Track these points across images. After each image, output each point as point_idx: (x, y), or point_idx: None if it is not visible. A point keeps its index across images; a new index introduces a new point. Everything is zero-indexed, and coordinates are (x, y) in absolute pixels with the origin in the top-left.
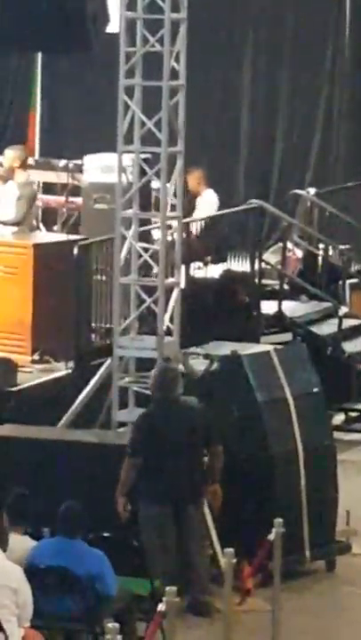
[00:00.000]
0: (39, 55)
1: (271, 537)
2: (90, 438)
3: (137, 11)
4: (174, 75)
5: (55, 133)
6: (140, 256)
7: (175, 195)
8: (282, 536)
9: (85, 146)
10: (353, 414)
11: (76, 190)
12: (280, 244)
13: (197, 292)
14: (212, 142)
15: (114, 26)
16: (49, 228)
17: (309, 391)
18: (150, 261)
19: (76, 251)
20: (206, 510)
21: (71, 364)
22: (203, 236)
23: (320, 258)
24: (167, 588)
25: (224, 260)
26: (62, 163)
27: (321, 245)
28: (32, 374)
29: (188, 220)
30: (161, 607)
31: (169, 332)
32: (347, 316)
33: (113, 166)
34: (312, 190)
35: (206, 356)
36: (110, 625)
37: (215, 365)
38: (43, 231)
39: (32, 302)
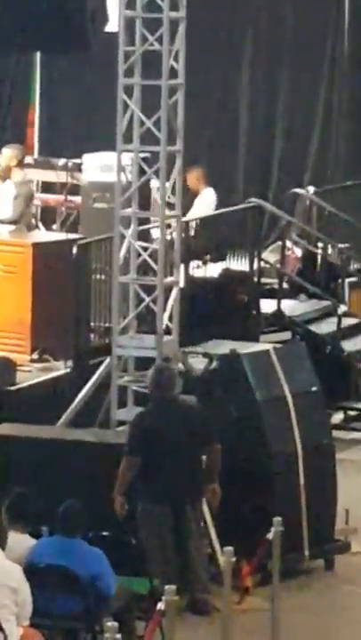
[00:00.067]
0: (38, 54)
1: (270, 536)
2: (89, 437)
3: (136, 9)
4: (173, 74)
5: (54, 132)
6: (139, 255)
7: (174, 193)
8: (281, 535)
9: (84, 145)
10: (352, 413)
11: (75, 189)
12: (279, 243)
13: (196, 291)
14: (211, 141)
15: (113, 25)
16: (48, 227)
17: (308, 390)
18: (149, 260)
19: (75, 250)
20: (205, 509)
21: (70, 363)
22: (202, 235)
23: (319, 257)
24: (166, 587)
25: (223, 259)
26: (61, 162)
27: (320, 244)
28: (31, 373)
29: (187, 219)
30: (160, 606)
31: (168, 331)
32: (346, 314)
33: (112, 165)
34: (311, 189)
35: (205, 355)
36: (109, 624)
37: (214, 364)
38: (42, 230)
39: (31, 301)
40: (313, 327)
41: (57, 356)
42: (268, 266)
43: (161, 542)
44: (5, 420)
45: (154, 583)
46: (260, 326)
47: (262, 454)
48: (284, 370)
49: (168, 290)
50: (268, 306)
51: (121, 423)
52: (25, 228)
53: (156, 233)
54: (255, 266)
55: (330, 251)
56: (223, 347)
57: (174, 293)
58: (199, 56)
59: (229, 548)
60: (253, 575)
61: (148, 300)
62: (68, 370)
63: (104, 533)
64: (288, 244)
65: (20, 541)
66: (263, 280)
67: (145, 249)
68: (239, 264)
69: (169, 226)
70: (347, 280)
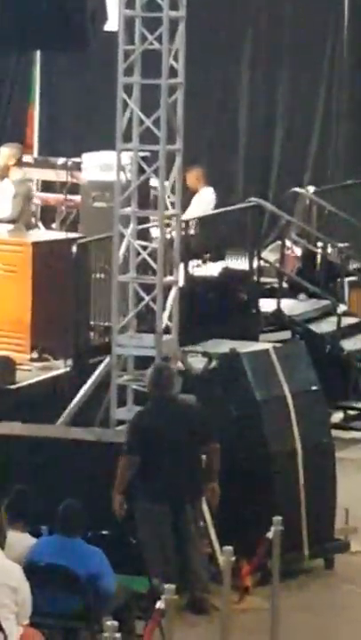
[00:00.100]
0: (38, 53)
1: (270, 535)
2: (88, 436)
3: (135, 9)
4: (173, 73)
5: (54, 131)
6: (139, 254)
7: (174, 192)
8: (280, 534)
9: (84, 144)
10: (352, 412)
11: (74, 188)
12: (279, 242)
13: (196, 291)
14: (210, 140)
15: (112, 24)
16: (48, 226)
17: (308, 389)
18: (149, 259)
19: (74, 249)
20: (205, 508)
21: (70, 361)
22: (201, 234)
23: (319, 256)
24: (165, 586)
25: (223, 258)
26: (61, 161)
27: (320, 243)
28: (31, 372)
29: (186, 218)
30: (159, 605)
31: (168, 330)
32: (345, 314)
33: (112, 164)
34: (311, 188)
35: (205, 354)
36: (109, 623)
37: (214, 363)
38: (41, 229)
39: (31, 300)
40: (313, 326)
41: (57, 354)
42: (267, 265)
43: (160, 541)
44: (5, 418)
45: (153, 582)
46: (259, 325)
47: (262, 453)
48: (283, 369)
49: (167, 289)
50: (267, 305)
51: (121, 422)
52: (24, 226)
53: (155, 232)
54: (255, 265)
55: (329, 250)
56: (223, 346)
57: (174, 292)
58: (199, 55)
59: (229, 548)
60: (253, 574)
61: (147, 299)
62: (68, 369)
63: (104, 532)
64: (288, 243)
65: (20, 540)
66: (263, 279)
67: (144, 248)
68: (239, 263)
69: (168, 225)
70: (346, 279)
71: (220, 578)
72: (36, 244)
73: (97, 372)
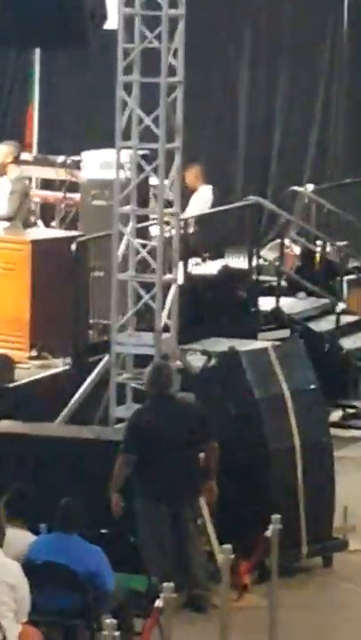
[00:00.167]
0: (37, 51)
1: (268, 533)
2: (88, 434)
3: (135, 7)
4: (172, 71)
5: (53, 130)
6: (138, 252)
7: (173, 191)
8: (279, 532)
9: (83, 142)
10: (350, 411)
11: (74, 186)
12: (278, 241)
13: (195, 289)
14: (210, 139)
15: (112, 22)
16: (47, 224)
17: (307, 388)
18: (148, 258)
19: (73, 247)
20: (203, 506)
21: (69, 360)
22: (201, 233)
23: (318, 254)
24: (164, 585)
25: (222, 257)
26: (60, 159)
27: (319, 242)
28: (29, 370)
29: (185, 216)
30: (158, 603)
31: (167, 329)
32: (344, 312)
33: (111, 162)
34: (310, 187)
35: (204, 353)
36: (108, 621)
37: (213, 362)
38: (41, 227)
39: (30, 299)
40: (312, 325)
41: (55, 353)
42: (266, 263)
43: (159, 540)
44: (4, 417)
45: (152, 580)
46: (258, 324)
47: (261, 452)
48: (282, 367)
49: (167, 287)
50: (266, 303)
51: (120, 420)
52: (20, 224)
53: (154, 230)
54: (254, 263)
55: (329, 248)
56: (222, 344)
57: (173, 291)
58: (198, 54)
59: (228, 546)
60: (251, 573)
61: (146, 297)
62: (67, 367)
63: (102, 531)
64: (287, 241)
65: (20, 538)
66: (262, 278)
67: (144, 246)
68: (238, 261)
69: (168, 223)
70: (345, 278)
71: (219, 576)
72: (35, 243)
73: (96, 371)
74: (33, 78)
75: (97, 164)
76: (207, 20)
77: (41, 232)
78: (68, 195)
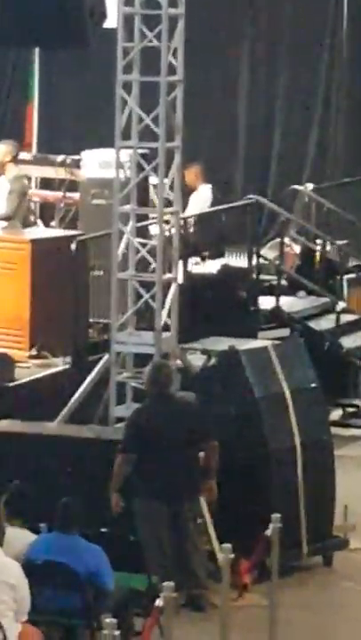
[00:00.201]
0: (37, 51)
1: (269, 532)
2: (87, 434)
3: (135, 6)
4: (172, 70)
5: (53, 128)
6: (138, 251)
7: (173, 190)
8: (279, 531)
9: (83, 141)
10: (350, 409)
11: (73, 186)
12: (278, 240)
13: (195, 288)
14: (210, 138)
15: (111, 21)
16: (47, 224)
17: (307, 386)
18: (148, 257)
19: (73, 246)
20: (203, 506)
21: (69, 359)
22: (200, 232)
23: (318, 253)
24: (164, 584)
25: (222, 256)
26: (60, 158)
27: (319, 241)
28: (29, 370)
29: (185, 215)
30: (158, 602)
31: (167, 328)
32: (344, 311)
33: (111, 162)
34: (310, 186)
35: (204, 352)
36: (108, 620)
37: (213, 361)
38: (40, 227)
39: (30, 298)
40: (312, 324)
41: (55, 352)
42: (266, 262)
43: (158, 539)
44: (4, 416)
45: (152, 580)
46: (258, 323)
47: (261, 451)
48: (282, 366)
49: (167, 286)
50: (266, 302)
51: (119, 419)
52: (19, 223)
53: (154, 229)
54: (254, 262)
55: (328, 247)
56: (222, 343)
57: (173, 290)
58: (198, 53)
59: (228, 545)
60: (252, 572)
61: (146, 296)
62: (67, 366)
63: (102, 530)
64: (287, 240)
65: (20, 537)
66: (262, 277)
67: (144, 245)
68: (238, 260)
69: (167, 222)
70: (345, 277)
71: (219, 575)
72: (35, 242)
73: (96, 370)
74: (32, 77)
75: (96, 164)
76: (207, 20)
77: (41, 231)
78: (68, 194)
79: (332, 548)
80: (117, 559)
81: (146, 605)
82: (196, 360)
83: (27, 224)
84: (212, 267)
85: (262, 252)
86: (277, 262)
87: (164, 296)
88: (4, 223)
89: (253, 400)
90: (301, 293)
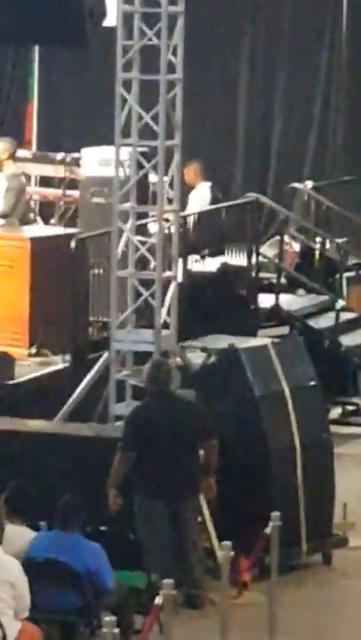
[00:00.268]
0: (37, 49)
1: (268, 530)
2: (87, 432)
3: (134, 4)
4: (171, 68)
5: (53, 127)
6: (138, 249)
7: (172, 188)
8: (279, 529)
9: (83, 139)
10: (350, 408)
11: (73, 184)
12: (277, 238)
13: (195, 286)
14: (209, 136)
15: (111, 19)
16: (46, 222)
17: (306, 384)
18: (147, 255)
19: (73, 244)
20: (203, 504)
21: (68, 357)
22: (200, 230)
23: (317, 251)
24: (164, 582)
25: (221, 254)
26: (60, 156)
27: (318, 239)
28: (29, 368)
29: (184, 213)
30: (158, 600)
31: (166, 326)
32: (344, 309)
33: (110, 160)
34: (309, 184)
35: (204, 350)
36: (107, 618)
37: (212, 359)
38: (40, 224)
39: (29, 296)
40: (311, 322)
41: (55, 350)
42: (266, 260)
43: (158, 537)
44: (3, 414)
45: (152, 578)
46: (258, 321)
47: (260, 449)
48: (282, 364)
49: (166, 284)
50: (266, 300)
51: (119, 417)
52: (16, 221)
53: (154, 227)
54: (253, 260)
55: (328, 245)
56: (221, 341)
57: (172, 288)
58: (198, 51)
59: (227, 543)
60: (251, 570)
61: (146, 294)
62: (66, 364)
63: (102, 528)
64: (286, 238)
65: (20, 535)
66: (261, 274)
67: (143, 243)
68: (237, 259)
69: (167, 220)
70: (345, 275)
71: (219, 573)
72: (34, 240)
73: (95, 368)
74: (32, 75)
75: (96, 162)
76: (207, 20)
77: (40, 229)
78: (68, 192)
79: (331, 546)
80: (117, 557)
81: (145, 603)
82: (196, 358)
83: (26, 222)
84: (211, 265)
85: (262, 250)
86: (277, 260)
87: (164, 294)
88: (2, 221)
89: (253, 398)
90: (301, 291)
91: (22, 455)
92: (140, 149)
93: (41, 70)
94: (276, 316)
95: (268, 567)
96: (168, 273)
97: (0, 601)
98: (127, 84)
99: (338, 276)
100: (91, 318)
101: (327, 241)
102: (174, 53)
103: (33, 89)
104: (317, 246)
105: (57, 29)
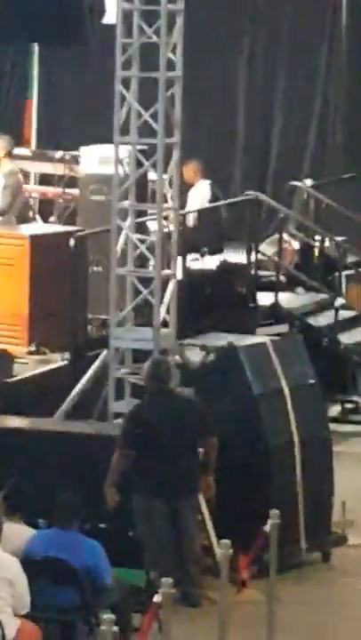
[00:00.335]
0: (36, 47)
1: (267, 528)
2: (86, 429)
3: (134, 2)
4: (171, 66)
5: (52, 124)
6: (137, 247)
7: (171, 186)
8: (278, 527)
9: (82, 137)
10: (349, 406)
11: (72, 181)
12: (277, 236)
13: (194, 284)
14: (209, 134)
15: (111, 17)
16: (45, 220)
17: (305, 383)
18: (147, 253)
19: (72, 242)
20: (202, 502)
21: (67, 355)
22: (199, 228)
23: (316, 249)
24: (163, 580)
25: (221, 252)
26: (59, 154)
27: (317, 237)
28: (28, 365)
29: (184, 211)
30: (157, 598)
31: (165, 324)
32: (343, 307)
33: (110, 157)
34: (309, 182)
35: (202, 348)
36: (106, 616)
37: (211, 357)
38: (39, 222)
39: (28, 293)
40: (310, 320)
41: (54, 348)
42: (265, 258)
43: (157, 535)
44: (2, 412)
45: (150, 576)
46: (257, 319)
47: (259, 447)
48: (281, 362)
49: (165, 282)
50: (265, 298)
51: (118, 415)
52: (14, 218)
53: (153, 225)
54: (253, 258)
55: (327, 243)
56: (220, 339)
57: (172, 286)
58: (197, 48)
59: (226, 541)
60: (250, 568)
61: (145, 292)
62: (66, 362)
63: (101, 526)
64: (286, 236)
65: (18, 532)
66: (260, 273)
67: (142, 241)
68: (237, 256)
69: (166, 218)
70: (344, 273)
71: (218, 571)
72: (33, 238)
73: (94, 366)
74: (32, 73)
75: (95, 159)
76: (207, 19)
77: (39, 227)
78: (67, 190)
79: (330, 544)
80: (116, 555)
81: (144, 601)
82: (195, 356)
83: (25, 220)
84: (210, 263)
85: (261, 248)
86: (276, 258)
87: (163, 292)
88: None
89: (252, 396)
90: (300, 289)
91: (21, 453)
92: (139, 147)
93: (40, 68)
94: (275, 313)
95: (267, 565)
96: (167, 271)
97: None
98: (126, 82)
99: (337, 273)
100: (90, 316)
101: (326, 239)
102: (174, 51)
103: (32, 87)
104: (317, 244)
105: (57, 28)
